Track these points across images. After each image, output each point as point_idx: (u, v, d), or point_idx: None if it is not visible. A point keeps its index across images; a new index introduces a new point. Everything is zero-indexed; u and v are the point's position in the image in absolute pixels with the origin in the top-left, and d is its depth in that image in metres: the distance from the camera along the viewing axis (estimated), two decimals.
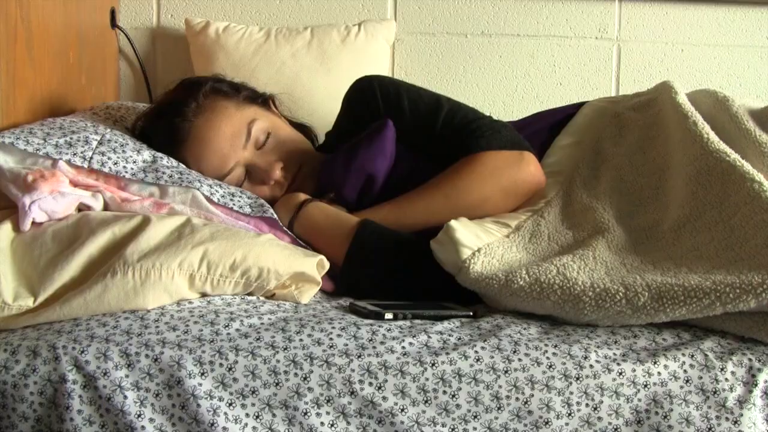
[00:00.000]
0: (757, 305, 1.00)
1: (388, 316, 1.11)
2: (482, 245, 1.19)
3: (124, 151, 1.31)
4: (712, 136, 1.28)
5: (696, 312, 1.03)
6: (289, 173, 1.46)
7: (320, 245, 1.32)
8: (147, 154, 1.33)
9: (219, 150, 1.41)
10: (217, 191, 1.30)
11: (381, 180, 1.40)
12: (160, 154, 1.35)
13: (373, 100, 1.47)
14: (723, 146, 1.25)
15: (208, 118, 1.42)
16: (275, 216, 1.32)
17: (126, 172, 1.28)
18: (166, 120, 1.43)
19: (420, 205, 1.35)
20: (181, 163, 1.37)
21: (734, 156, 1.22)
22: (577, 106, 1.58)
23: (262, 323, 1.08)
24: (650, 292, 1.04)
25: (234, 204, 1.29)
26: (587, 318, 1.09)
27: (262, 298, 1.19)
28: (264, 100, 1.54)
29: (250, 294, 1.19)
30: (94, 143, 1.30)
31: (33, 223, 1.18)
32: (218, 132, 1.41)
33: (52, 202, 1.18)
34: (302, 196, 1.39)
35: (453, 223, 1.21)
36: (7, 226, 1.17)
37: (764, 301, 0.99)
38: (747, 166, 1.19)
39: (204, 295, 1.16)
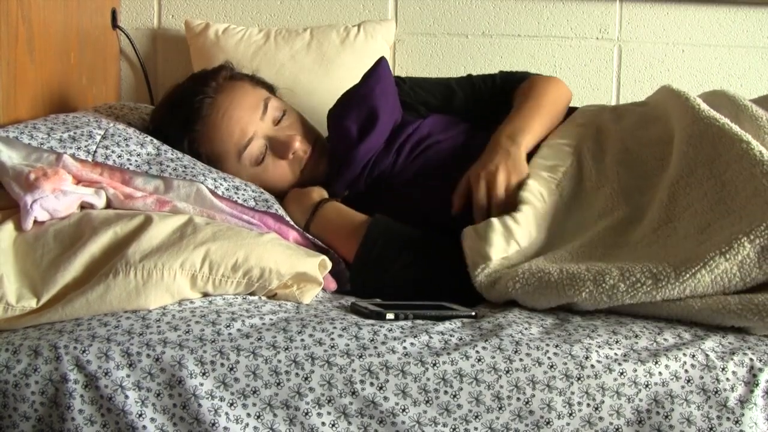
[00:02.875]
0: (751, 246, 1.04)
1: (390, 316, 1.11)
2: (503, 257, 1.22)
3: (127, 145, 1.31)
4: (704, 107, 1.32)
5: (707, 267, 1.06)
6: (307, 147, 1.48)
7: (335, 244, 1.34)
8: (151, 147, 1.33)
9: (239, 119, 1.43)
10: (221, 184, 1.30)
11: (384, 111, 1.45)
12: (164, 147, 1.35)
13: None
14: (713, 113, 1.29)
15: (228, 93, 1.45)
16: (280, 212, 1.32)
17: (130, 164, 1.27)
18: (188, 102, 1.44)
19: (536, 117, 1.48)
20: (185, 156, 1.36)
21: (724, 120, 1.26)
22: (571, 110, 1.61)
23: (263, 323, 1.08)
24: (674, 268, 1.08)
25: (238, 197, 1.29)
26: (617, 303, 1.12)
27: (263, 298, 1.19)
28: (270, 88, 1.58)
29: (251, 294, 1.19)
30: (98, 137, 1.30)
31: (35, 222, 1.18)
32: (239, 103, 1.44)
33: (54, 200, 1.18)
34: (316, 196, 1.41)
35: (495, 222, 1.25)
36: (9, 226, 1.17)
37: (756, 240, 1.04)
38: (736, 128, 1.23)
39: (206, 294, 1.16)
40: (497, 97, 1.60)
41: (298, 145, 1.45)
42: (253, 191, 1.33)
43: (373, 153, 1.45)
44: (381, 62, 1.51)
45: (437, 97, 1.61)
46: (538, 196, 1.32)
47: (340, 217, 1.38)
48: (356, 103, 1.46)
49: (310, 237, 1.34)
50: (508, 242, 1.23)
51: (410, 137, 1.48)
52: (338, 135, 1.47)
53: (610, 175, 1.35)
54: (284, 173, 1.46)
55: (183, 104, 1.45)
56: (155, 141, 1.36)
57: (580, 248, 1.23)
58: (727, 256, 1.04)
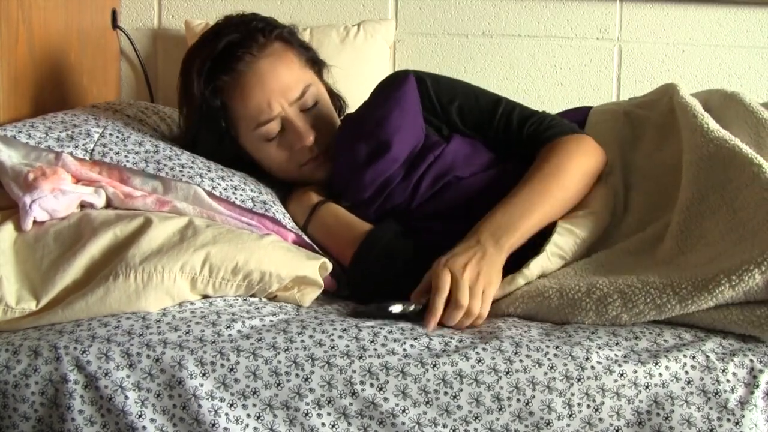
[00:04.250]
0: (762, 278, 1.01)
1: (396, 309, 1.11)
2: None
3: (125, 144, 1.30)
4: (712, 125, 1.29)
5: (714, 298, 1.04)
6: (317, 147, 1.41)
7: (330, 248, 1.33)
8: (149, 144, 1.32)
9: (269, 94, 1.36)
10: (219, 185, 1.29)
11: (399, 139, 1.35)
12: (162, 145, 1.33)
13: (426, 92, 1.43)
14: (723, 133, 1.26)
15: (272, 62, 1.37)
16: (276, 216, 1.31)
17: (127, 161, 1.27)
18: (230, 49, 1.36)
19: (535, 213, 1.26)
20: (183, 154, 1.34)
21: (734, 141, 1.23)
22: (582, 113, 1.55)
23: (263, 324, 1.08)
24: (679, 300, 1.06)
25: (236, 198, 1.28)
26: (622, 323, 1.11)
27: (264, 300, 1.18)
28: (320, 69, 1.51)
29: (252, 296, 1.19)
30: (96, 135, 1.30)
31: (34, 222, 1.18)
32: (277, 77, 1.37)
33: (53, 200, 1.18)
34: (315, 197, 1.39)
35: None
36: (9, 227, 1.16)
37: (767, 270, 1.00)
38: (746, 149, 1.20)
39: (206, 296, 1.16)
40: (519, 145, 1.41)
41: (309, 143, 1.39)
42: (251, 191, 1.32)
43: (386, 181, 1.36)
44: (408, 82, 1.40)
45: (467, 125, 1.44)
46: (566, 235, 1.26)
47: (337, 221, 1.35)
48: (369, 127, 1.37)
49: (308, 241, 1.33)
50: (510, 284, 1.21)
51: (431, 168, 1.36)
52: (345, 156, 1.38)
53: (633, 207, 1.33)
54: (285, 160, 1.42)
55: (225, 48, 1.36)
56: (153, 138, 1.36)
57: (584, 264, 1.22)
58: (737, 288, 1.02)
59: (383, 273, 1.27)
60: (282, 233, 1.30)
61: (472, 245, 1.19)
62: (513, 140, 1.41)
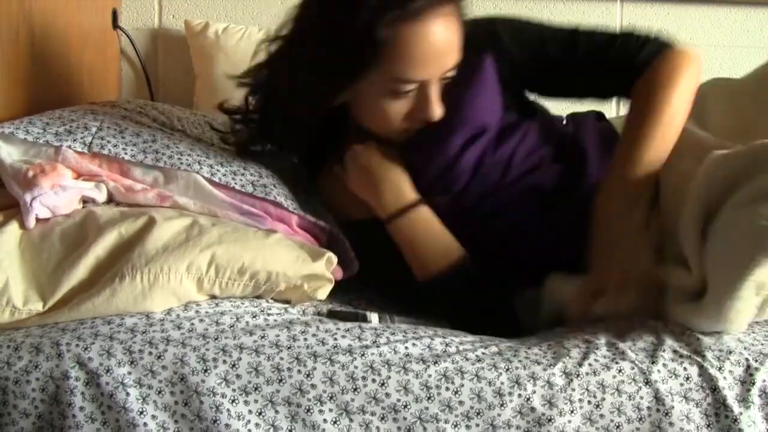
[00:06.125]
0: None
1: (373, 318, 1.12)
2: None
3: (123, 137, 1.30)
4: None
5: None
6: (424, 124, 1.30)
7: (408, 253, 1.29)
8: (147, 134, 1.32)
9: (432, 56, 1.21)
10: (218, 171, 1.28)
11: (493, 126, 1.30)
12: (160, 135, 1.32)
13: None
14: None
15: (447, 22, 1.21)
16: (278, 199, 1.29)
17: (125, 153, 1.27)
18: None
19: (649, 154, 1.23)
20: (182, 142, 1.32)
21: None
22: (590, 118, 1.49)
23: (267, 323, 1.08)
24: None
25: (236, 183, 1.27)
26: None
27: (270, 301, 1.18)
28: None
29: (259, 297, 1.18)
30: (94, 129, 1.30)
31: (37, 219, 1.18)
32: (447, 40, 1.22)
33: (54, 197, 1.18)
34: (410, 193, 1.30)
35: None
36: (14, 226, 1.16)
37: None
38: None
39: (212, 297, 1.15)
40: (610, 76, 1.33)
41: (436, 119, 1.26)
42: (251, 175, 1.30)
43: (480, 158, 1.29)
44: (485, 60, 1.30)
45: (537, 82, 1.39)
46: None
47: (428, 231, 1.29)
48: (457, 117, 1.28)
49: (312, 219, 1.31)
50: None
51: (520, 144, 1.32)
52: (438, 156, 1.29)
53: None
54: (400, 119, 1.27)
55: None
56: (152, 128, 1.35)
57: None
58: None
59: (456, 298, 1.27)
60: (285, 216, 1.28)
61: (607, 250, 1.19)
62: (597, 77, 1.36)
